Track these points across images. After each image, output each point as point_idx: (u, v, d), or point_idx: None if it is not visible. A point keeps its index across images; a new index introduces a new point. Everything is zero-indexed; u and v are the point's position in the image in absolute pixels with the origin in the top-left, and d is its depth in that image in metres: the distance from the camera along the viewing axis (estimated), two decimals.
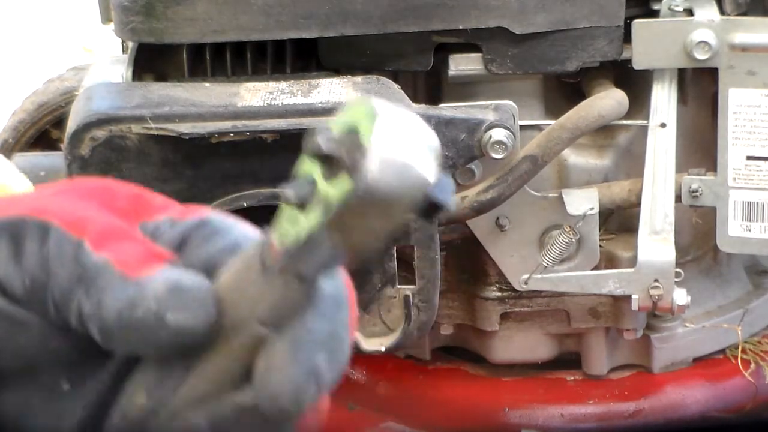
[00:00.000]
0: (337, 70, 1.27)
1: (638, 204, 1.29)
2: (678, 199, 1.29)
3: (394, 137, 0.50)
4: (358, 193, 0.50)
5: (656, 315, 1.36)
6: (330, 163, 0.51)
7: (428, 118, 1.18)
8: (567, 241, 1.28)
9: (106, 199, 0.59)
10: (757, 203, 1.28)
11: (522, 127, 1.26)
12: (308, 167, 0.52)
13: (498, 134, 1.21)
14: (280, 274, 0.53)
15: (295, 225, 0.52)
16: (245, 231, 0.58)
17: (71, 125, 1.14)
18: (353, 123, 0.51)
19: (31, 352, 0.56)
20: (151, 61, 1.28)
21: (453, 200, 0.52)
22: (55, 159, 1.29)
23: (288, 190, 0.52)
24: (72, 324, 0.55)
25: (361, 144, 0.50)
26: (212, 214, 0.59)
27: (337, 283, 0.55)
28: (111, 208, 0.58)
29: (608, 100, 1.26)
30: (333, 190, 0.50)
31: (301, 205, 0.52)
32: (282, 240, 0.52)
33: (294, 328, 0.53)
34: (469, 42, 1.26)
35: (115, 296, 0.53)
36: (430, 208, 0.51)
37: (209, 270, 0.56)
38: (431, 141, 0.51)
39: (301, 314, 0.53)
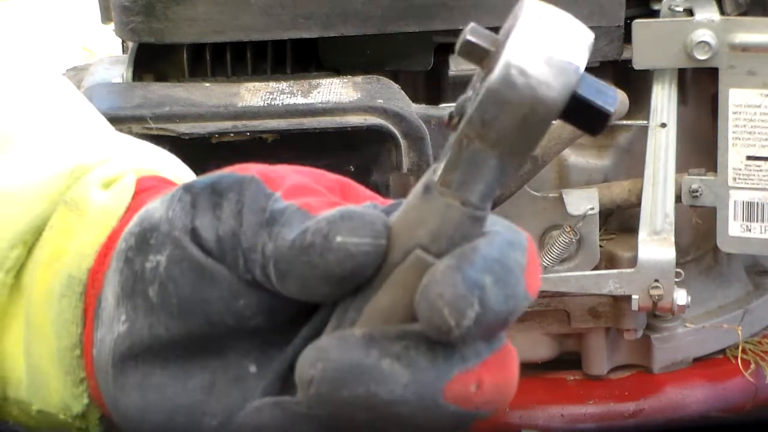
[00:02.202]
0: (337, 70, 1.27)
1: (638, 204, 1.29)
2: (678, 199, 1.29)
3: (533, 28, 0.48)
4: (501, 85, 0.47)
5: (656, 315, 1.36)
6: (478, 63, 0.49)
7: (428, 118, 1.18)
8: (567, 241, 1.28)
9: (315, 177, 0.59)
10: (757, 203, 1.28)
11: None
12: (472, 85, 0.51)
13: None
14: (439, 196, 0.51)
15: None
16: None
17: None
18: (511, 20, 0.49)
19: (218, 310, 0.55)
20: (151, 61, 1.28)
21: (612, 105, 0.49)
22: None
23: (450, 111, 0.51)
24: (257, 276, 0.54)
25: (506, 41, 0.48)
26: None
27: (515, 232, 0.53)
28: (320, 184, 0.58)
29: None
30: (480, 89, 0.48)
31: (460, 119, 0.50)
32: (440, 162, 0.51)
33: (460, 249, 0.51)
34: None
35: (294, 228, 0.53)
36: (589, 116, 0.49)
37: None
38: (578, 32, 0.49)
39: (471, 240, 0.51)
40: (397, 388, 0.51)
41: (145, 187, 0.64)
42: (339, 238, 0.51)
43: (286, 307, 0.55)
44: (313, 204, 0.55)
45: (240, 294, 0.55)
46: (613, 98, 0.49)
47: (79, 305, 0.60)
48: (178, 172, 0.69)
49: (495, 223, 0.53)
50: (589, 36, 0.49)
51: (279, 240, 0.53)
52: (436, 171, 0.51)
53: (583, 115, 0.49)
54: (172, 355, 0.57)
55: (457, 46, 0.50)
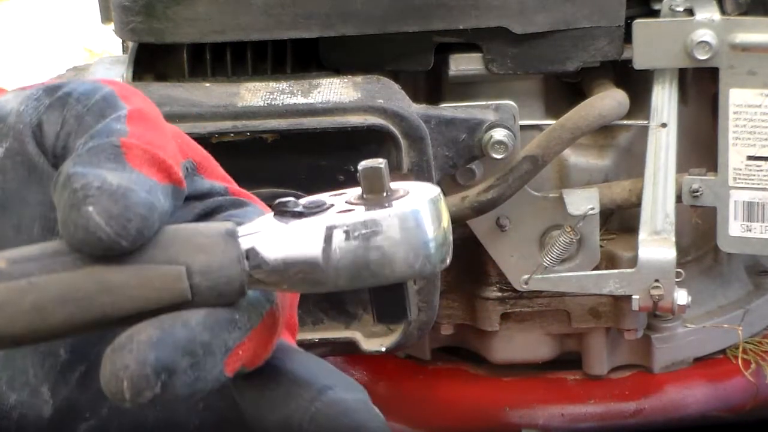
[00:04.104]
0: (337, 70, 1.27)
1: (639, 204, 1.29)
2: (678, 199, 1.29)
3: (430, 208, 0.50)
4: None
5: (657, 315, 1.36)
6: (369, 192, 0.51)
7: (428, 118, 1.18)
8: (567, 241, 1.28)
9: (178, 136, 0.57)
10: (757, 203, 1.28)
11: (522, 127, 1.26)
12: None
13: (498, 134, 1.21)
14: (236, 250, 0.51)
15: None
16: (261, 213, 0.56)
17: None
18: (405, 187, 0.52)
19: (30, 215, 0.54)
20: (151, 61, 1.28)
21: (410, 317, 0.53)
22: None
23: (290, 200, 0.52)
24: None
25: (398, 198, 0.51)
26: (256, 205, 0.58)
27: (253, 316, 0.52)
28: (175, 137, 0.56)
29: (609, 100, 1.26)
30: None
31: (301, 213, 0.51)
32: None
33: (175, 316, 0.49)
34: (469, 42, 1.26)
35: (86, 157, 0.51)
36: (393, 308, 0.52)
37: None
38: (449, 239, 0.52)
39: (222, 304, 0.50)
40: None
41: None
42: (91, 209, 0.49)
43: None
44: (138, 148, 0.52)
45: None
46: (409, 315, 0.53)
47: None
48: None
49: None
50: (450, 248, 0.52)
51: (69, 159, 0.51)
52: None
53: (390, 302, 0.52)
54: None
55: (366, 164, 0.51)
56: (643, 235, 1.28)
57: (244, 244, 0.51)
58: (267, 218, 0.52)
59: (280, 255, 0.50)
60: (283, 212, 0.51)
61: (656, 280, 1.27)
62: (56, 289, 0.49)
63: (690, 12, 1.26)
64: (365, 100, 1.14)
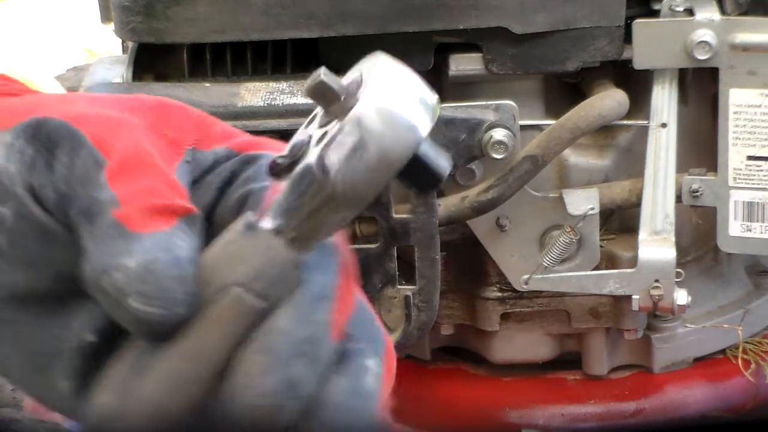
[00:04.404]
0: (337, 70, 1.26)
1: (639, 204, 1.29)
2: (678, 199, 1.29)
3: (388, 88, 0.49)
4: (332, 138, 0.48)
5: (657, 315, 1.36)
6: (325, 106, 0.50)
7: None
8: (567, 241, 1.28)
9: (159, 120, 0.57)
10: (757, 203, 1.28)
11: (522, 127, 1.26)
12: (300, 131, 0.51)
13: (498, 134, 1.21)
14: (265, 236, 0.50)
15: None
16: None
17: None
18: (360, 73, 0.51)
19: (63, 269, 0.55)
20: (151, 61, 1.28)
21: (446, 169, 0.51)
22: None
23: (278, 157, 0.51)
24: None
25: (359, 92, 0.49)
26: (267, 153, 0.57)
27: (326, 278, 0.52)
28: (159, 132, 0.56)
29: (609, 100, 1.25)
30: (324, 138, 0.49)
31: (293, 162, 0.50)
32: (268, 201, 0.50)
33: (270, 340, 0.50)
34: (469, 42, 1.26)
35: (101, 252, 0.51)
36: (425, 177, 0.50)
37: (242, 206, 0.54)
38: (427, 96, 0.50)
39: (290, 287, 0.50)
40: None
41: None
42: (130, 302, 0.50)
43: None
44: (134, 209, 0.52)
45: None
46: (445, 166, 0.51)
47: None
48: (32, 76, 0.68)
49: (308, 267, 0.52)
50: (435, 99, 0.51)
51: (85, 259, 0.52)
52: (263, 213, 0.51)
53: (418, 175, 0.50)
54: (22, 306, 0.56)
55: (309, 85, 0.50)
56: (643, 235, 1.28)
57: (267, 224, 0.50)
58: (270, 186, 0.52)
59: (300, 214, 0.50)
60: (278, 173, 0.51)
61: (656, 280, 1.27)
62: (164, 383, 0.50)
63: (690, 12, 1.26)
64: None
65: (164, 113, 0.58)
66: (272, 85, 1.20)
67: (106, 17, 1.40)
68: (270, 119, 1.14)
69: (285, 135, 1.18)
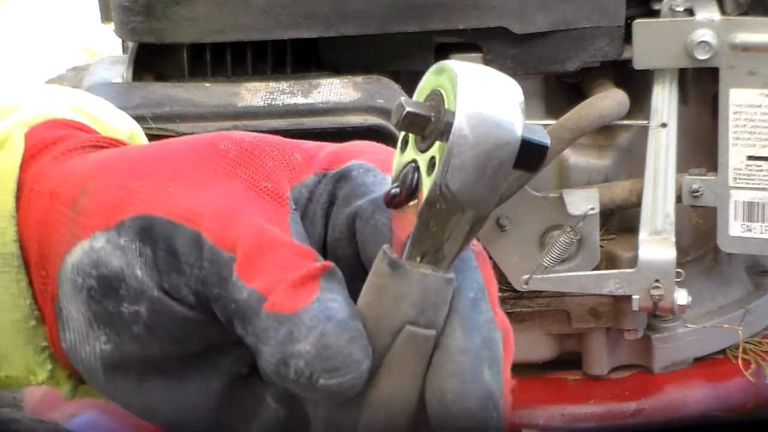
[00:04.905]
0: (337, 70, 1.27)
1: (639, 204, 1.29)
2: (679, 199, 1.29)
3: (477, 94, 0.49)
4: (463, 139, 0.49)
5: (657, 315, 1.36)
6: (420, 133, 0.50)
7: None
8: (568, 241, 1.28)
9: (252, 172, 0.57)
10: (757, 203, 1.28)
11: None
12: (399, 157, 0.52)
13: None
14: (413, 269, 0.51)
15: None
16: (383, 178, 0.57)
17: None
18: (434, 88, 0.50)
19: (210, 339, 0.57)
20: (151, 61, 1.28)
21: (547, 140, 0.52)
22: None
23: (392, 189, 0.52)
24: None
25: (447, 107, 0.50)
26: (354, 161, 0.58)
27: (474, 275, 0.54)
28: (257, 187, 0.56)
29: (609, 100, 1.26)
30: (432, 164, 0.50)
31: (410, 195, 0.51)
32: (401, 239, 0.51)
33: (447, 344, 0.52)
34: (469, 42, 1.26)
35: (270, 346, 0.52)
36: (532, 157, 0.50)
37: (351, 227, 0.55)
38: (510, 85, 0.51)
39: (452, 315, 0.52)
40: None
41: (40, 140, 0.62)
42: (322, 381, 0.51)
43: None
44: (279, 295, 0.53)
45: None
46: (544, 133, 0.51)
47: (22, 277, 0.60)
48: (94, 109, 0.68)
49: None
50: (515, 84, 0.51)
51: (260, 358, 0.53)
52: (398, 246, 0.52)
53: (526, 157, 0.51)
54: (164, 366, 0.57)
55: (398, 120, 0.50)
56: (643, 235, 1.28)
57: (410, 256, 0.52)
58: (392, 216, 0.53)
59: (439, 239, 0.51)
60: (396, 204, 0.52)
61: (656, 280, 1.27)
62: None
63: (690, 12, 1.26)
64: (365, 100, 1.14)
65: (251, 162, 0.58)
66: (272, 85, 1.20)
67: (106, 17, 1.40)
68: (270, 119, 1.14)
69: (284, 136, 1.18)
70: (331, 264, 0.54)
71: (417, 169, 0.51)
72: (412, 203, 0.52)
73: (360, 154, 0.58)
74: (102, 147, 0.63)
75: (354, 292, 0.54)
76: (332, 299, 0.53)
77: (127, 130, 0.71)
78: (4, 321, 0.60)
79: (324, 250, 0.58)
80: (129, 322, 0.56)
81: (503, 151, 0.49)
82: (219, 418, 0.58)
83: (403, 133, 0.53)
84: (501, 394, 0.53)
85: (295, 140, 0.61)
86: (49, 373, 0.62)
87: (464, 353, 0.52)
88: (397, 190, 0.52)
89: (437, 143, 0.50)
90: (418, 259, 0.52)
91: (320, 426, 0.54)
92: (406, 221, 0.52)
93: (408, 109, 0.50)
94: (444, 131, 0.49)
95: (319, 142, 0.61)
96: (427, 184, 0.50)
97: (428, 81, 0.51)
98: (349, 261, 0.57)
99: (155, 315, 0.56)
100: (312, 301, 0.52)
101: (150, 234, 0.56)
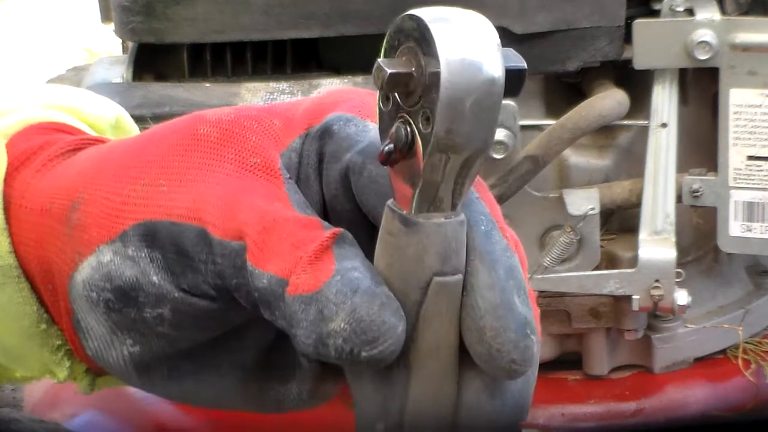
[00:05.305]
0: (337, 70, 1.27)
1: (639, 204, 1.29)
2: (679, 199, 1.29)
3: (454, 39, 0.50)
4: (453, 82, 0.49)
5: (657, 315, 1.36)
6: (404, 90, 0.50)
7: None
8: (568, 241, 1.28)
9: (236, 150, 0.56)
10: (757, 203, 1.28)
11: (522, 127, 1.26)
12: (383, 112, 0.52)
13: (498, 134, 1.21)
14: (426, 221, 0.51)
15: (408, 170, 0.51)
16: (365, 125, 0.56)
17: None
18: (404, 42, 0.50)
19: (237, 324, 0.57)
20: (151, 61, 1.28)
21: (524, 64, 0.52)
22: None
23: (386, 147, 0.51)
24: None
25: (426, 57, 0.49)
26: (332, 114, 0.57)
27: (479, 207, 0.54)
28: (247, 164, 0.56)
29: (609, 100, 1.26)
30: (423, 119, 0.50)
31: (406, 151, 0.51)
32: (404, 193, 0.51)
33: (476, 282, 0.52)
34: None
35: (303, 329, 0.52)
36: (513, 83, 0.51)
37: (346, 181, 0.55)
38: (486, 26, 0.51)
39: (471, 253, 0.52)
40: None
41: (21, 151, 0.61)
42: (364, 354, 0.51)
43: None
44: (299, 277, 0.53)
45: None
46: (518, 56, 0.52)
47: (24, 286, 0.60)
48: (73, 101, 0.67)
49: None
50: (484, 19, 0.52)
51: (298, 344, 0.53)
52: (402, 204, 0.52)
53: (509, 83, 0.51)
54: (193, 352, 0.58)
55: (381, 83, 0.50)
56: (643, 235, 1.28)
57: (421, 210, 0.52)
58: (389, 173, 0.53)
59: (444, 187, 0.52)
60: (392, 162, 0.52)
61: (656, 281, 1.27)
62: (424, 393, 0.53)
63: (690, 12, 1.26)
64: None
65: (235, 141, 0.57)
66: (272, 85, 1.20)
67: (106, 17, 1.40)
68: None
69: None
70: (339, 230, 0.53)
71: (408, 123, 0.51)
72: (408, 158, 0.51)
73: (336, 105, 0.58)
74: (83, 149, 0.63)
75: (362, 242, 0.54)
76: (352, 268, 0.52)
77: (112, 116, 0.71)
78: (14, 329, 0.61)
79: (324, 209, 0.57)
80: (153, 324, 0.56)
81: (493, 88, 0.50)
82: (256, 387, 0.59)
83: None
84: (533, 317, 0.53)
85: (268, 106, 0.60)
86: (68, 370, 0.62)
87: (492, 288, 0.52)
88: (392, 146, 0.51)
89: (428, 96, 0.50)
90: (429, 209, 0.51)
91: (370, 396, 0.54)
92: (405, 175, 0.52)
93: (389, 70, 0.50)
94: (431, 83, 0.49)
95: (291, 101, 0.60)
96: (425, 137, 0.50)
97: (395, 35, 0.51)
98: (349, 214, 0.57)
99: (179, 314, 0.56)
100: (333, 275, 0.52)
101: (156, 239, 0.56)
